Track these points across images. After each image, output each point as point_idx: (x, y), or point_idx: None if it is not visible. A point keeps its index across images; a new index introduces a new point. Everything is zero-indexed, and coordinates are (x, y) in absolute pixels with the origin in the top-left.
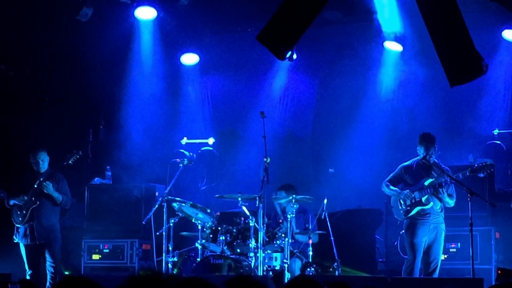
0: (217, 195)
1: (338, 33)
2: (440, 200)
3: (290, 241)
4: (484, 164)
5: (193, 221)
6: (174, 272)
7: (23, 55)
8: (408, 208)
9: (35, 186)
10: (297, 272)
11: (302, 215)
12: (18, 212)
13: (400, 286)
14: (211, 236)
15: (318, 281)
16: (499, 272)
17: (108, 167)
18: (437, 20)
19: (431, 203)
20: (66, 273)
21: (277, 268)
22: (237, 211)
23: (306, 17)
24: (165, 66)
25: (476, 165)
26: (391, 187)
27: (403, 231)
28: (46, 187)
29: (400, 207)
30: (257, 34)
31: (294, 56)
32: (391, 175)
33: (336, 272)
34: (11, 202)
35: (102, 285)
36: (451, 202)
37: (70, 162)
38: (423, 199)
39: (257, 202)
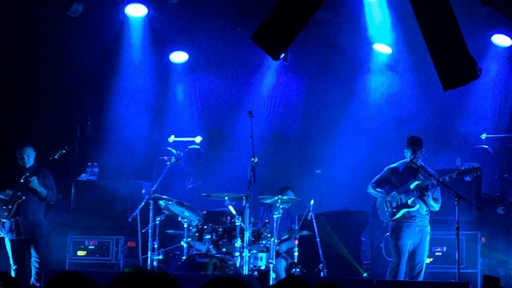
0: (203, 194)
1: (327, 34)
2: (426, 203)
3: (275, 241)
4: (471, 167)
5: (179, 219)
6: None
7: (13, 50)
8: (394, 210)
9: (21, 181)
10: (282, 273)
11: (288, 216)
12: (4, 207)
13: None
14: (197, 234)
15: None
16: (486, 280)
17: (95, 163)
18: (432, 23)
19: (417, 206)
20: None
21: (263, 268)
22: (223, 210)
23: (300, 18)
24: (154, 64)
25: (463, 168)
26: (377, 188)
27: (388, 233)
28: (32, 181)
29: (385, 209)
30: (252, 34)
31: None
32: (378, 176)
33: (322, 273)
34: None
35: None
36: (435, 206)
37: (56, 157)
38: (409, 201)
39: (244, 202)
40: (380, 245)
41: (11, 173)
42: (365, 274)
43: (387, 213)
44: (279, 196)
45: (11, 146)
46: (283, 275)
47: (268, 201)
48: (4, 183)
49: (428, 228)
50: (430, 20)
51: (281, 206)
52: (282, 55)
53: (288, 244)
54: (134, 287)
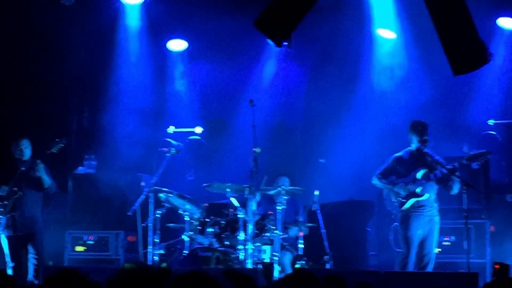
0: (205, 184)
1: (330, 20)
2: (451, 188)
3: (280, 233)
4: (480, 152)
5: (180, 212)
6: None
7: (5, 40)
8: (403, 200)
9: (17, 175)
10: (288, 265)
11: (292, 207)
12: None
13: (393, 280)
14: (198, 228)
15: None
16: (496, 266)
17: (92, 156)
18: (442, 9)
19: (427, 195)
20: (50, 263)
21: (267, 261)
22: (225, 203)
23: (304, 3)
24: (152, 52)
25: (471, 154)
26: (383, 179)
27: (396, 224)
28: (38, 167)
29: (393, 200)
30: (254, 20)
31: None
32: (383, 167)
33: (327, 265)
34: None
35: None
36: (456, 189)
37: (54, 151)
38: (418, 190)
39: (247, 193)
40: (390, 236)
41: (6, 169)
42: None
43: (396, 204)
44: (282, 187)
45: (6, 141)
46: (288, 268)
47: (271, 192)
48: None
49: (438, 217)
50: (439, 5)
51: (285, 197)
52: (285, 42)
53: (293, 234)
54: (134, 283)
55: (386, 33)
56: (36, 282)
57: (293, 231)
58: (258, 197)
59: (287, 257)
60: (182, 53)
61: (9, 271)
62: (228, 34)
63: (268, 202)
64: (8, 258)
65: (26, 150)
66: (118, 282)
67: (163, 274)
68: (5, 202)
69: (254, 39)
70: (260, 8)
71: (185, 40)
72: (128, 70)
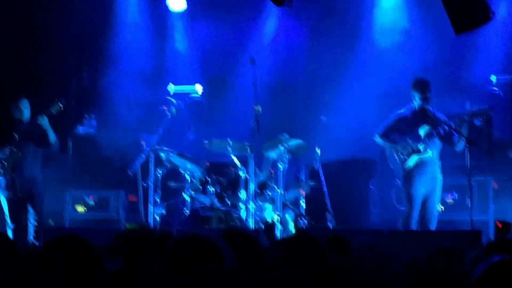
0: (205, 141)
1: None
2: (454, 144)
3: (281, 192)
4: (482, 108)
5: (181, 171)
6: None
7: (5, 2)
8: (406, 158)
9: (17, 136)
10: (290, 224)
11: (293, 166)
12: None
13: (397, 239)
14: (200, 187)
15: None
16: (499, 225)
17: (92, 115)
18: None
19: (429, 152)
20: (50, 221)
21: (269, 220)
22: (227, 162)
23: None
24: (152, 12)
25: (474, 109)
26: (386, 137)
27: (399, 182)
28: (43, 120)
29: (396, 157)
30: None
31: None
32: (385, 124)
33: (330, 224)
34: None
35: (92, 243)
36: (461, 146)
37: (53, 111)
38: (421, 147)
39: (248, 152)
40: (392, 195)
41: (5, 130)
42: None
43: (398, 162)
44: (284, 145)
45: (4, 102)
46: (291, 226)
47: (273, 153)
48: None
49: (441, 175)
50: None
51: (286, 156)
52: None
53: (295, 193)
54: (135, 247)
55: None
56: (36, 243)
57: (295, 190)
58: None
59: (289, 216)
60: (182, 13)
61: (9, 232)
62: None
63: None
64: (7, 219)
65: (25, 110)
66: (118, 246)
67: (163, 238)
68: (5, 163)
69: None
70: None
71: None
72: (128, 31)
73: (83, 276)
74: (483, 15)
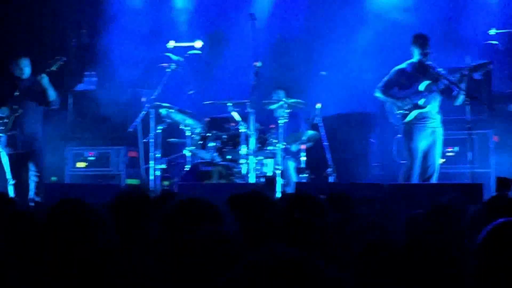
0: (206, 102)
1: None
2: (455, 98)
3: (282, 146)
4: (482, 62)
5: (181, 127)
6: (165, 185)
7: None
8: (406, 112)
9: (17, 93)
10: (292, 173)
11: (293, 120)
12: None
13: (397, 192)
14: (200, 142)
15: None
16: (499, 181)
17: (92, 72)
18: None
19: (429, 106)
20: (53, 178)
21: (269, 174)
22: (227, 117)
23: None
24: None
25: (473, 64)
26: (386, 92)
27: (399, 135)
28: (43, 78)
29: (396, 112)
30: None
31: None
32: (385, 79)
33: (330, 178)
34: None
35: (93, 200)
36: (460, 99)
37: (54, 68)
38: (420, 102)
39: (248, 107)
40: (393, 148)
41: (5, 87)
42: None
43: (398, 116)
44: (284, 99)
45: (4, 59)
46: (293, 175)
47: (273, 106)
48: None
49: (441, 129)
50: None
51: (286, 111)
52: None
53: (295, 147)
54: (135, 207)
55: None
56: (37, 199)
57: (296, 146)
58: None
59: (291, 165)
60: None
61: (10, 188)
62: None
63: (269, 115)
64: (9, 176)
65: (26, 68)
66: (119, 206)
67: (164, 198)
68: (5, 120)
69: None
70: None
71: None
72: None
73: (84, 244)
74: None
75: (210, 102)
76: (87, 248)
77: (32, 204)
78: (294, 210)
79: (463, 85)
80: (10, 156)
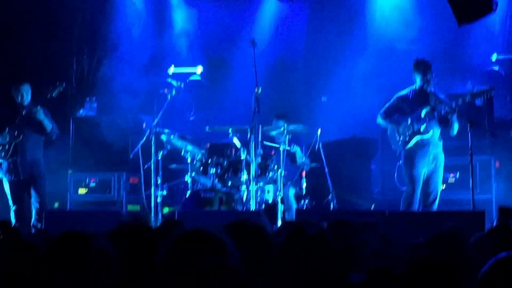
0: (207, 128)
1: None
2: (451, 127)
3: (283, 173)
4: (484, 89)
5: (182, 153)
6: (166, 211)
7: None
8: (407, 138)
9: (18, 120)
10: (292, 200)
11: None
12: (0, 148)
13: (399, 220)
14: (201, 168)
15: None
16: (501, 211)
17: (93, 98)
18: None
19: (431, 132)
20: (56, 205)
21: (270, 201)
22: (227, 143)
23: None
24: None
25: (475, 90)
26: (387, 118)
27: (401, 161)
28: (38, 112)
29: (398, 138)
30: None
31: None
32: (387, 105)
33: (331, 204)
34: None
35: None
36: (455, 130)
37: (54, 95)
38: (422, 128)
39: (249, 134)
40: (394, 175)
41: (6, 113)
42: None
43: (400, 142)
44: (285, 126)
45: (4, 84)
46: (293, 202)
47: (274, 132)
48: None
49: (442, 155)
50: None
51: (287, 137)
52: None
53: (300, 158)
54: (137, 237)
55: None
56: (39, 225)
57: (299, 159)
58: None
59: (291, 192)
60: None
61: (12, 214)
62: None
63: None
64: (10, 202)
65: (27, 95)
66: (120, 237)
67: (167, 227)
68: (6, 147)
69: None
70: None
71: None
72: (128, 13)
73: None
74: (486, 6)
75: (210, 128)
76: (88, 281)
77: (33, 230)
78: (295, 240)
79: (463, 111)
80: (11, 183)
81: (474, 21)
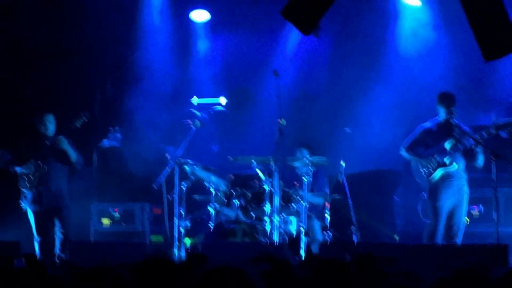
0: (230, 158)
1: None
2: (476, 160)
3: (306, 205)
4: (509, 121)
5: (205, 184)
6: (189, 243)
7: (26, 9)
8: (431, 171)
9: (42, 150)
10: (318, 232)
11: (316, 177)
12: (25, 178)
13: (422, 253)
14: (224, 200)
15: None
16: None
17: (117, 128)
18: None
19: (455, 165)
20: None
21: (293, 232)
22: (251, 174)
23: None
24: (175, 23)
25: (500, 122)
26: (411, 151)
27: (424, 194)
28: (62, 142)
29: (422, 171)
30: (281, 9)
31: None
32: (410, 138)
33: (354, 236)
34: (18, 170)
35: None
36: (481, 162)
37: (78, 125)
38: (446, 161)
39: (272, 165)
40: (418, 207)
41: (30, 143)
42: (396, 238)
43: (424, 175)
44: (308, 158)
45: (30, 115)
46: (319, 234)
47: (297, 164)
48: (24, 153)
49: (467, 187)
50: None
51: (310, 168)
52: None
53: (319, 200)
54: (160, 272)
55: (411, 0)
56: (63, 256)
57: (318, 200)
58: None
59: (317, 224)
60: (205, 24)
61: (36, 245)
62: (251, 3)
63: (292, 173)
64: (34, 232)
65: (50, 125)
66: (144, 272)
67: (191, 261)
68: (31, 177)
69: (277, 9)
70: None
71: (208, 10)
72: (151, 41)
73: None
74: None
75: (233, 157)
76: None
77: (58, 261)
78: (319, 275)
79: (487, 143)
80: (36, 213)
81: (501, 57)
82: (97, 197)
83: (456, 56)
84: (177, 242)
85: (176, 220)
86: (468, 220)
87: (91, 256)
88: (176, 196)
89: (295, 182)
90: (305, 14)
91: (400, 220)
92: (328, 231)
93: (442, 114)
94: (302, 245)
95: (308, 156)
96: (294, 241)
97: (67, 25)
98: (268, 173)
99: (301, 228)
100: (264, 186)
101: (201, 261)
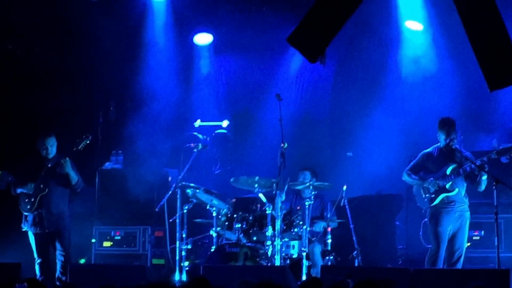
0: (232, 179)
1: (357, 12)
2: (478, 184)
3: (308, 228)
4: (510, 146)
5: (207, 207)
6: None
7: (31, 34)
8: (432, 196)
9: (43, 172)
10: (318, 257)
11: (319, 201)
12: (26, 200)
13: (423, 278)
14: (226, 223)
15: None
16: None
17: (119, 151)
18: (476, 23)
19: (456, 190)
20: (82, 261)
21: (295, 256)
22: (253, 197)
23: (338, 20)
24: (178, 46)
25: (501, 148)
26: (413, 175)
27: (426, 219)
28: (64, 164)
29: (423, 196)
30: (287, 36)
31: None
32: (412, 163)
33: (356, 260)
34: (18, 191)
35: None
36: (483, 186)
37: (80, 148)
38: (448, 186)
39: (274, 189)
40: (420, 232)
41: (32, 164)
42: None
43: (425, 200)
44: (311, 182)
45: (31, 136)
46: (319, 259)
47: (299, 187)
48: (26, 175)
49: (468, 213)
50: (474, 19)
51: (312, 193)
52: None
53: (321, 225)
54: None
55: (414, 25)
56: (63, 278)
57: (320, 225)
58: (285, 188)
59: (317, 249)
60: (208, 47)
61: (36, 267)
62: (254, 27)
63: (295, 197)
64: (35, 255)
65: (52, 147)
66: None
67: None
68: (32, 199)
69: (280, 33)
70: (285, 2)
71: (211, 33)
72: (155, 64)
73: None
74: None
75: (235, 180)
76: None
77: (58, 283)
78: None
79: (489, 169)
80: (37, 235)
81: (506, 87)
82: (99, 220)
83: (457, 81)
84: (178, 265)
85: (177, 243)
86: (469, 244)
87: (91, 278)
88: (178, 219)
89: (298, 207)
90: (312, 41)
91: (401, 245)
92: (329, 255)
93: (442, 139)
94: (304, 269)
95: (310, 178)
96: (295, 265)
97: (70, 48)
98: (270, 197)
99: (303, 252)
100: (265, 210)
101: (203, 285)
